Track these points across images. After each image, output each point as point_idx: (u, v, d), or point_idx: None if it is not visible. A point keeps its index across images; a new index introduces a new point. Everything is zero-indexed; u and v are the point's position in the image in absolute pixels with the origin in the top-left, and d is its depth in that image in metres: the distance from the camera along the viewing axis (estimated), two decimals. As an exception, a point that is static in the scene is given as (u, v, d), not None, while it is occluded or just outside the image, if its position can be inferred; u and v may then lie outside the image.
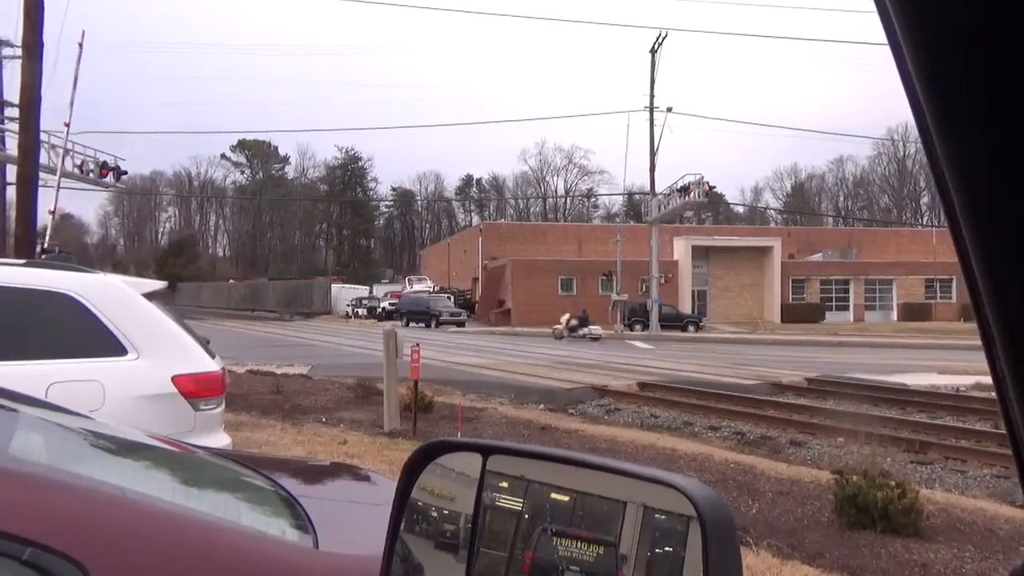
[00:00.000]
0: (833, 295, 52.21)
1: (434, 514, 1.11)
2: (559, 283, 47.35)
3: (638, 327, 40.31)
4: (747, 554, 5.36)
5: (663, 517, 0.90)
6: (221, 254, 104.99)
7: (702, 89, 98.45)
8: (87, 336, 4.42)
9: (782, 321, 48.16)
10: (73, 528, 1.32)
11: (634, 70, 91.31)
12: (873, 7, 0.53)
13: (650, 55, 40.14)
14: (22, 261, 5.55)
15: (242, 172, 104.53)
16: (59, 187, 17.65)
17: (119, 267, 63.96)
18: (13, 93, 19.12)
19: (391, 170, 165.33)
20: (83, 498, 1.42)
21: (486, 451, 1.06)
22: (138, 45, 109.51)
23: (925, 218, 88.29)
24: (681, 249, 49.99)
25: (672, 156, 75.72)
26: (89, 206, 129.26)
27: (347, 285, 65.54)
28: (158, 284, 5.53)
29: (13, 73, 19.96)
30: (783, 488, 8.05)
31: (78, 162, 23.93)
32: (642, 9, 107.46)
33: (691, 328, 41.46)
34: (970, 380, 18.37)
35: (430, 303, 45.62)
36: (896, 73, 0.54)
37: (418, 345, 10.96)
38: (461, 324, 43.38)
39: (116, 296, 4.61)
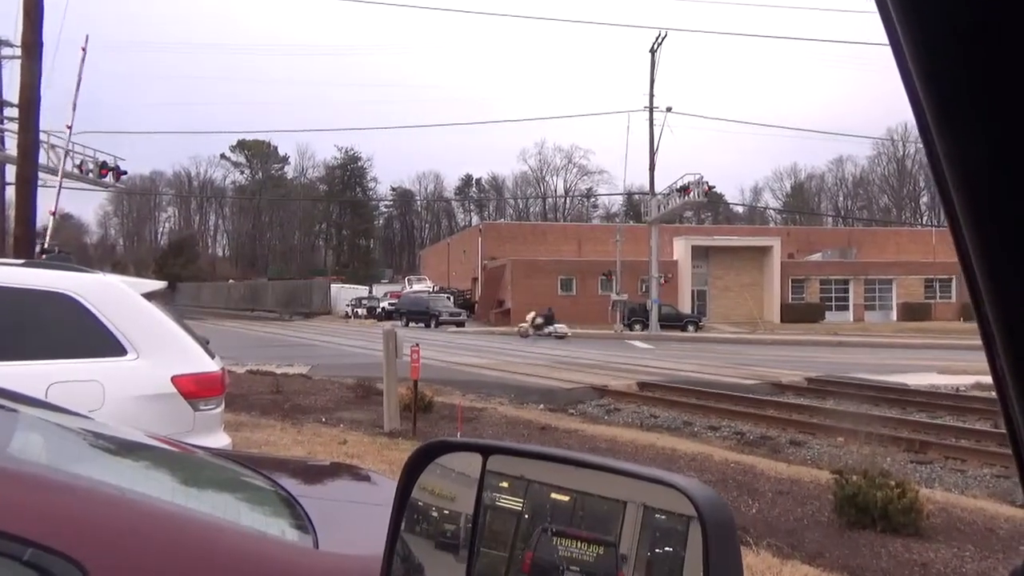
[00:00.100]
0: (833, 295, 52.21)
1: (434, 514, 1.11)
2: (559, 283, 47.37)
3: (638, 327, 40.33)
4: (747, 554, 5.36)
5: (663, 517, 0.90)
6: (221, 254, 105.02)
7: (702, 89, 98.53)
8: (87, 336, 4.42)
9: (782, 321, 48.17)
10: (73, 528, 1.32)
11: (634, 70, 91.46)
12: (873, 6, 0.53)
13: (650, 55, 40.19)
14: (21, 261, 5.55)
15: (242, 172, 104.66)
16: (60, 188, 17.68)
17: (119, 267, 63.95)
18: (13, 93, 19.14)
19: (391, 170, 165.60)
20: (83, 498, 1.42)
21: (486, 451, 1.06)
22: (138, 45, 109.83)
23: (925, 218, 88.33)
24: (681, 249, 50.00)
25: (672, 156, 75.82)
26: (88, 206, 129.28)
27: (347, 285, 65.52)
28: (158, 284, 5.53)
29: (13, 73, 19.99)
30: (783, 488, 8.06)
31: (78, 162, 23.93)
32: (642, 9, 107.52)
33: (691, 328, 41.47)
34: (970, 380, 18.37)
35: (430, 303, 45.62)
36: (896, 72, 0.54)
37: (418, 345, 10.96)
38: (461, 324, 43.37)
39: (116, 296, 4.61)
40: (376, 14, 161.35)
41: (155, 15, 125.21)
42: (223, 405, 4.98)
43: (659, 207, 41.37)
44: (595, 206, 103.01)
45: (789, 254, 53.86)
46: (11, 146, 19.52)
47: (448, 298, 48.89)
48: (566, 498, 0.99)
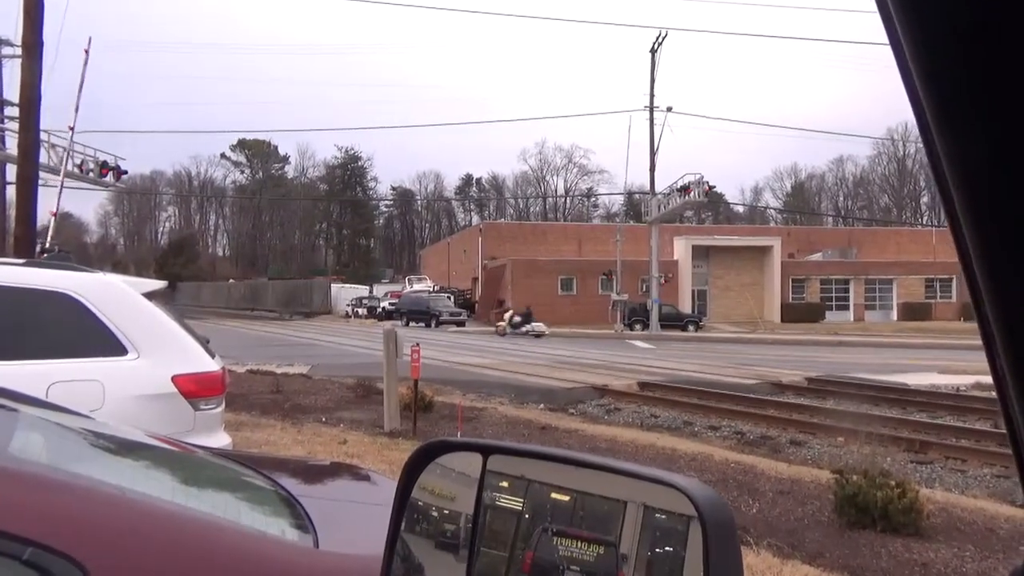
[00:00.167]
0: (833, 295, 52.21)
1: (434, 514, 1.11)
2: (559, 283, 47.37)
3: (638, 327, 40.34)
4: (747, 554, 5.36)
5: (663, 517, 0.90)
6: (221, 254, 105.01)
7: (703, 89, 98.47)
8: (87, 336, 4.42)
9: (782, 321, 48.16)
10: (73, 528, 1.32)
11: (634, 70, 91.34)
12: (873, 6, 0.53)
13: (650, 55, 40.19)
14: (22, 261, 5.55)
15: (242, 172, 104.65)
16: (62, 189, 17.70)
17: (119, 267, 63.97)
18: (13, 92, 19.15)
19: (391, 170, 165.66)
20: (83, 498, 1.42)
21: (486, 451, 1.06)
22: (138, 45, 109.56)
23: (925, 218, 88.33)
24: (681, 249, 49.99)
25: (673, 156, 75.88)
26: (89, 205, 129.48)
27: (347, 285, 65.50)
28: (158, 284, 5.53)
29: (13, 72, 20.00)
30: (783, 488, 8.05)
31: (78, 161, 23.94)
32: (642, 9, 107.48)
33: (691, 328, 41.46)
34: (970, 380, 18.37)
35: (430, 303, 45.61)
36: (896, 72, 0.54)
37: (418, 345, 10.96)
38: (461, 324, 43.37)
39: (116, 296, 4.61)
40: (376, 14, 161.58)
41: (155, 14, 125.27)
42: (223, 405, 4.98)
43: (659, 207, 41.37)
44: (595, 206, 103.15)
45: (789, 254, 53.86)
46: (11, 145, 19.53)
47: (448, 298, 48.89)
48: (566, 498, 0.99)
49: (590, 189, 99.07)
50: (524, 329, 36.55)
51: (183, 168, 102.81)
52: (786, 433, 12.50)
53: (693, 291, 49.71)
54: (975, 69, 0.48)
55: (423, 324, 42.73)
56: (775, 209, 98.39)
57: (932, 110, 0.51)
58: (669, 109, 39.39)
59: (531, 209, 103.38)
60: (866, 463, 8.14)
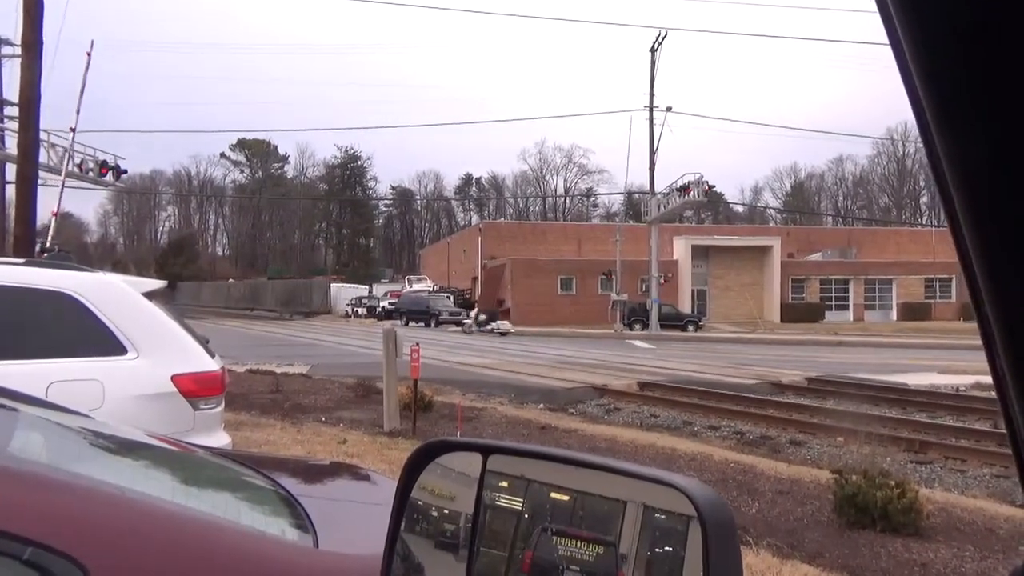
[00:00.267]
0: (833, 295, 52.21)
1: (434, 514, 1.11)
2: (559, 283, 47.35)
3: (638, 327, 40.34)
4: (747, 553, 5.36)
5: (663, 517, 0.90)
6: (221, 253, 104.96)
7: (703, 89, 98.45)
8: (87, 335, 4.42)
9: (782, 321, 48.16)
10: (73, 528, 1.32)
11: (634, 70, 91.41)
12: (873, 6, 0.53)
13: (650, 54, 40.18)
14: (22, 260, 5.55)
15: (242, 171, 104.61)
16: (63, 189, 17.69)
17: (119, 266, 63.87)
18: (13, 92, 19.12)
19: (390, 169, 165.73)
20: (83, 498, 1.42)
21: (486, 451, 1.06)
22: (138, 44, 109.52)
23: (925, 218, 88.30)
24: (681, 249, 49.98)
25: (672, 156, 75.92)
26: (89, 205, 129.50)
27: (347, 284, 65.54)
28: (158, 283, 5.53)
29: (13, 72, 19.98)
30: (783, 488, 8.06)
31: (78, 161, 23.93)
32: (642, 9, 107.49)
33: (691, 328, 41.46)
34: (970, 380, 18.37)
35: (430, 302, 45.64)
36: (896, 71, 0.54)
37: (418, 344, 10.96)
38: (461, 324, 43.39)
39: (116, 295, 4.61)
40: (376, 14, 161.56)
41: (155, 14, 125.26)
42: (223, 404, 4.98)
43: (659, 206, 41.36)
44: (595, 206, 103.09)
45: (789, 254, 53.84)
46: (11, 145, 19.52)
47: (448, 297, 48.90)
48: (566, 498, 0.99)
49: (590, 189, 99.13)
50: (490, 327, 38.30)
51: (183, 168, 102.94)
52: (786, 433, 12.50)
53: (693, 291, 49.70)
54: (975, 69, 0.48)
55: (423, 324, 42.76)
56: (775, 209, 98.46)
57: (932, 110, 0.51)
58: (669, 109, 39.43)
59: (531, 209, 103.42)
60: (866, 463, 8.14)
